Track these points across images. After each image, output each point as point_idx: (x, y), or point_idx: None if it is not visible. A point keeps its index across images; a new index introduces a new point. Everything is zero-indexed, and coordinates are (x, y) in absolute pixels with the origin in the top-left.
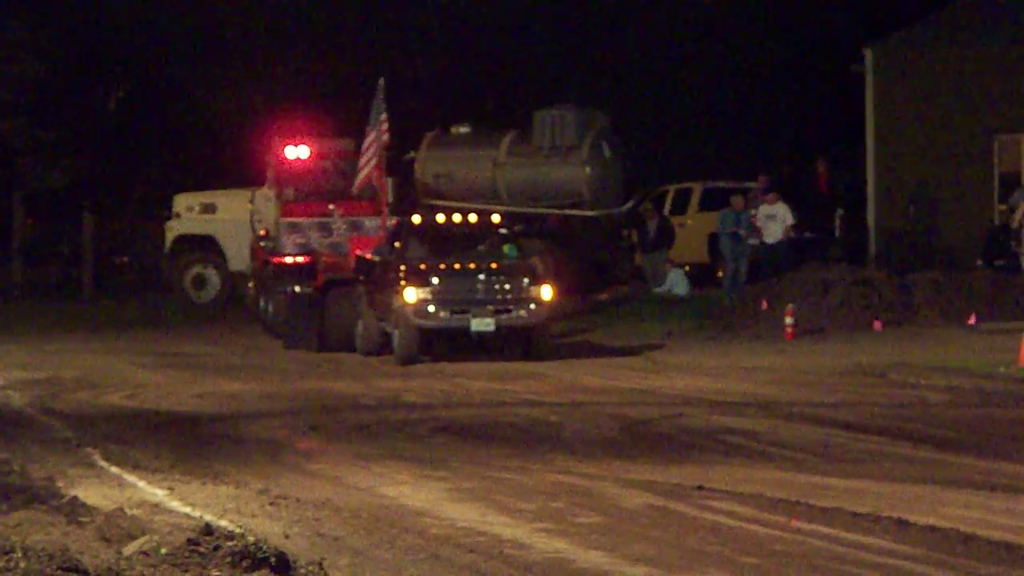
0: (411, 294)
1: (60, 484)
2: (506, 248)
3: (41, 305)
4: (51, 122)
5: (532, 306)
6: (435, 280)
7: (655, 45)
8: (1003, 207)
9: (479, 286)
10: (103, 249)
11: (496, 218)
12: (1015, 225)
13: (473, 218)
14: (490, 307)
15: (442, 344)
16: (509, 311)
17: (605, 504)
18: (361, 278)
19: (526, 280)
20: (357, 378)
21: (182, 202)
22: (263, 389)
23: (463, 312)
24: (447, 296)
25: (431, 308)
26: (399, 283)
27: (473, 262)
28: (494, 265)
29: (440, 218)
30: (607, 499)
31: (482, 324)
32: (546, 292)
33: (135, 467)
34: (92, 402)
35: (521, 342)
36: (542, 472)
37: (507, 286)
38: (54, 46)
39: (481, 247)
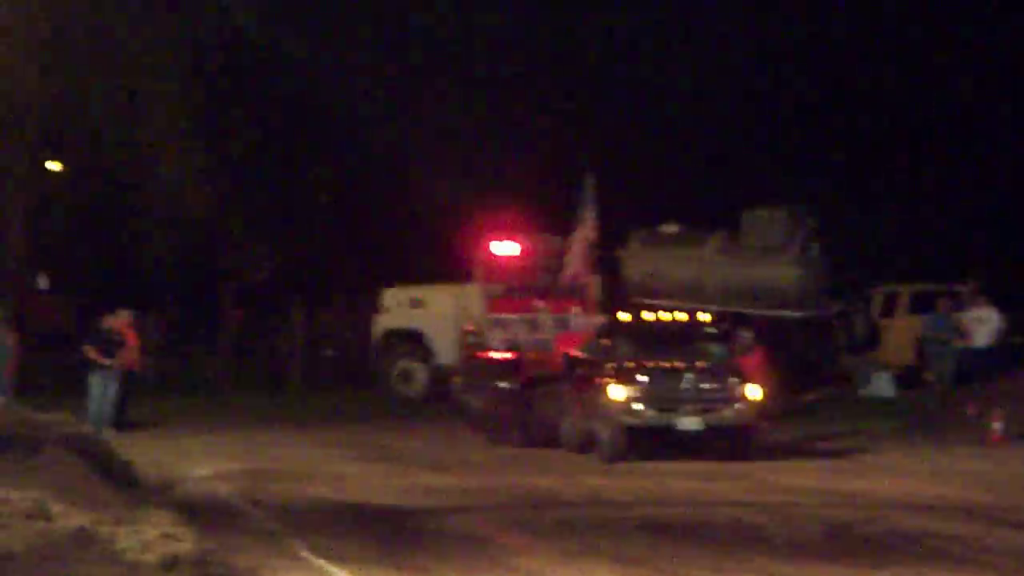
0: (618, 392)
1: (265, 575)
2: (714, 347)
3: (249, 397)
4: (264, 210)
5: (739, 405)
6: (642, 378)
7: (861, 143)
8: None
9: (686, 385)
10: (311, 341)
11: (705, 317)
12: None
13: (682, 317)
14: (697, 406)
15: (648, 443)
16: (716, 410)
17: None
18: (568, 375)
19: (734, 379)
20: (560, 474)
21: (391, 296)
22: (466, 483)
23: (670, 411)
24: (654, 394)
25: (638, 406)
26: (606, 380)
27: (680, 361)
28: (701, 364)
29: (648, 316)
30: None
31: (689, 423)
32: (754, 391)
33: (340, 559)
34: (297, 494)
35: (727, 441)
36: (742, 572)
37: (714, 385)
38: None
39: (690, 346)
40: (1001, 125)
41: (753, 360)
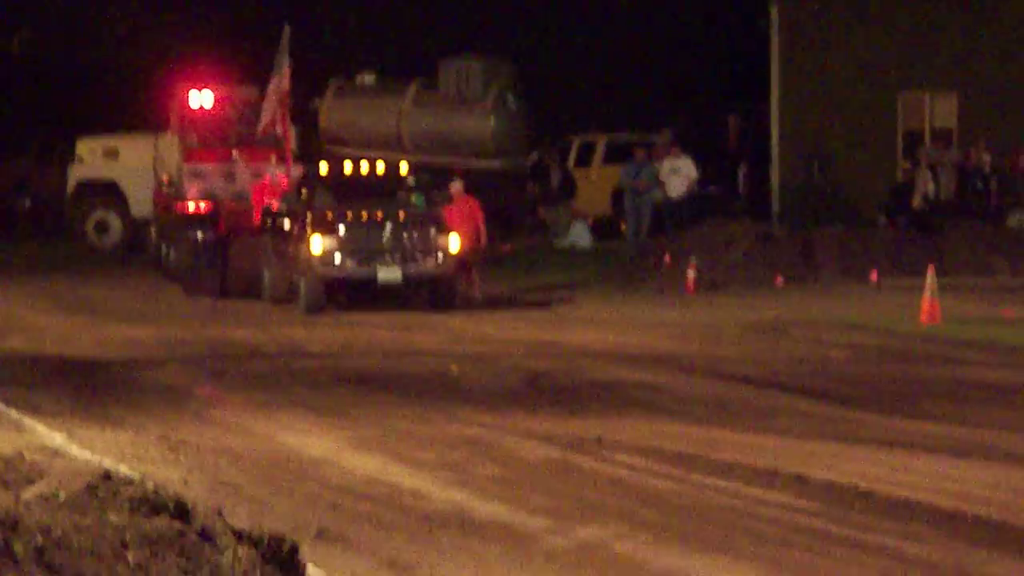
0: (317, 243)
1: None
2: (414, 198)
3: None
4: None
5: (440, 256)
6: (342, 229)
7: None
8: (906, 164)
9: (386, 236)
10: (3, 193)
11: (404, 168)
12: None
13: (380, 167)
14: (397, 257)
15: (349, 295)
16: (416, 261)
17: (505, 456)
18: (267, 226)
19: (434, 230)
20: (259, 326)
21: (85, 146)
22: (164, 335)
23: (370, 262)
24: (354, 246)
25: (337, 258)
26: (305, 232)
27: (380, 212)
28: (402, 215)
29: (347, 167)
30: (507, 451)
31: (389, 274)
32: (453, 242)
33: (35, 411)
34: None
35: (428, 292)
36: (443, 423)
37: (415, 236)
38: None
39: (389, 197)
40: None
41: (464, 210)
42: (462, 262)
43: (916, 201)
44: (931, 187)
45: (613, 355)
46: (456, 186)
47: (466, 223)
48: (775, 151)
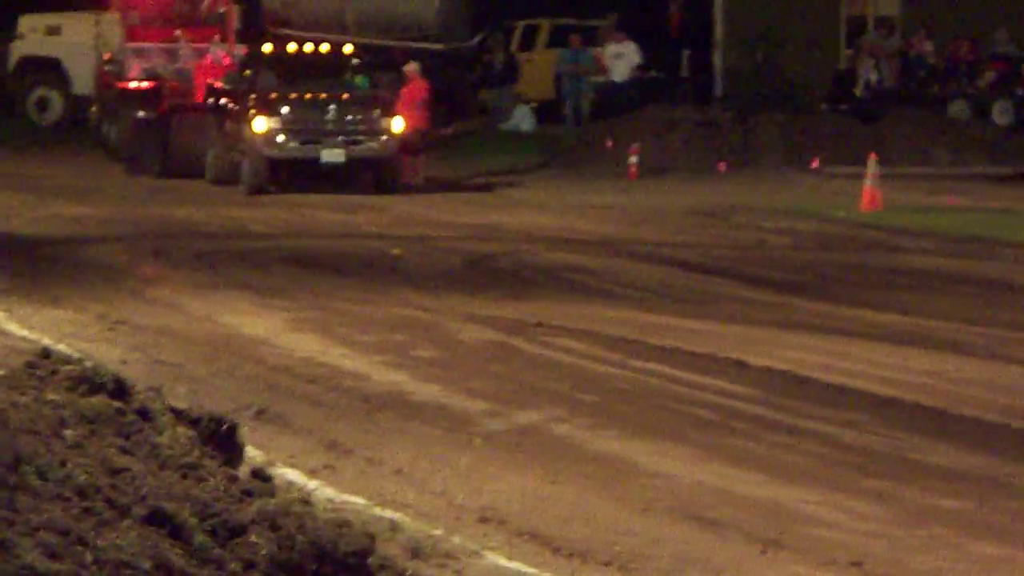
0: (261, 123)
1: None
2: (359, 80)
3: None
4: None
5: (383, 138)
6: (285, 110)
7: None
8: (849, 51)
9: (330, 117)
10: None
11: (348, 49)
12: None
13: (325, 48)
14: (341, 138)
15: (293, 175)
16: (360, 143)
17: (444, 338)
18: (211, 106)
19: (378, 112)
20: (201, 206)
21: (27, 23)
22: (104, 214)
23: (314, 143)
24: (298, 126)
25: (281, 138)
26: (249, 112)
27: (325, 93)
28: (346, 96)
29: (292, 48)
30: (447, 333)
31: (332, 155)
32: (397, 124)
33: None
34: None
35: (371, 174)
36: (383, 305)
37: (359, 117)
38: None
39: (334, 78)
40: None
41: (418, 92)
42: (406, 144)
43: (859, 89)
44: (873, 75)
45: (555, 239)
46: (412, 67)
47: (417, 105)
48: (718, 36)
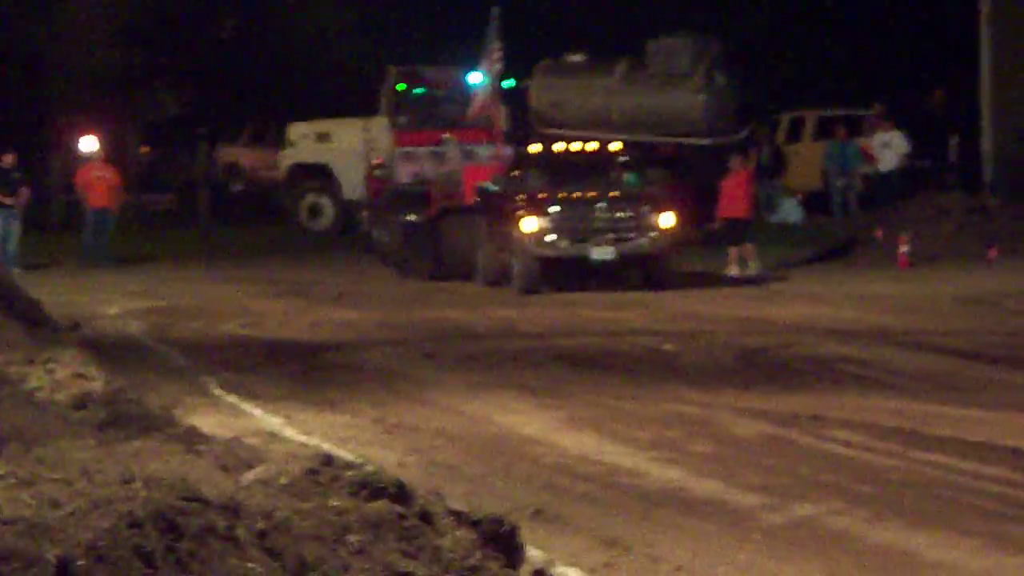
0: (530, 223)
1: (177, 412)
2: (627, 176)
3: (157, 234)
4: (165, 50)
5: (653, 234)
6: (554, 209)
7: None
8: None
9: (599, 214)
10: (219, 178)
11: (615, 146)
12: None
13: (592, 146)
14: (611, 235)
15: (563, 274)
16: (630, 239)
17: (719, 433)
18: (480, 207)
19: (647, 208)
20: (472, 307)
21: (296, 131)
22: (378, 318)
23: (583, 241)
24: (567, 225)
25: (551, 237)
26: (518, 212)
27: (593, 190)
28: (614, 193)
29: (559, 147)
30: (721, 428)
31: (603, 253)
32: (667, 220)
33: (251, 396)
34: (208, 331)
35: (642, 271)
36: (657, 401)
37: (628, 214)
38: None
39: (602, 176)
40: None
41: (740, 177)
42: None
43: None
44: None
45: (826, 330)
46: (735, 161)
47: (740, 196)
48: (985, 121)
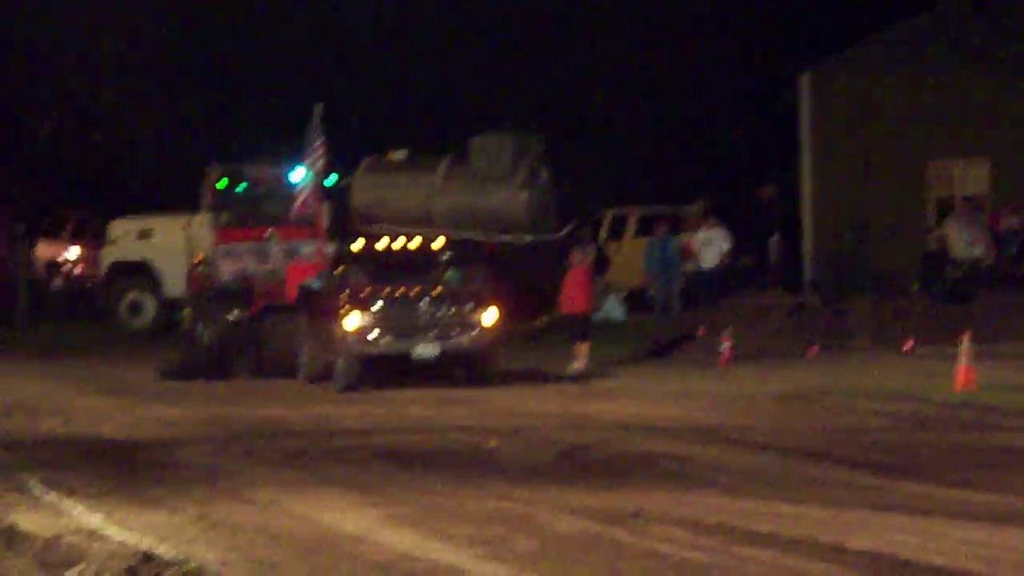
0: (353, 320)
1: None
2: (449, 274)
3: None
4: None
5: (476, 331)
6: (377, 306)
7: (590, 70)
8: (938, 231)
9: (423, 311)
10: (37, 276)
11: (438, 243)
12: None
13: (415, 243)
14: (434, 332)
15: (386, 371)
16: (453, 336)
17: (541, 530)
18: (302, 305)
19: (470, 305)
20: (294, 404)
21: (118, 228)
22: (197, 415)
23: (407, 337)
24: (390, 322)
25: (374, 334)
26: (341, 310)
27: (416, 287)
28: (438, 290)
29: (381, 244)
30: (543, 525)
31: (426, 349)
32: (490, 317)
33: (72, 493)
34: (27, 428)
35: (465, 367)
36: (478, 498)
37: (451, 311)
38: None
39: (425, 272)
40: (734, 48)
41: (581, 272)
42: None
43: (950, 269)
44: (971, 250)
45: (648, 427)
46: (576, 256)
47: (578, 289)
48: (807, 220)
